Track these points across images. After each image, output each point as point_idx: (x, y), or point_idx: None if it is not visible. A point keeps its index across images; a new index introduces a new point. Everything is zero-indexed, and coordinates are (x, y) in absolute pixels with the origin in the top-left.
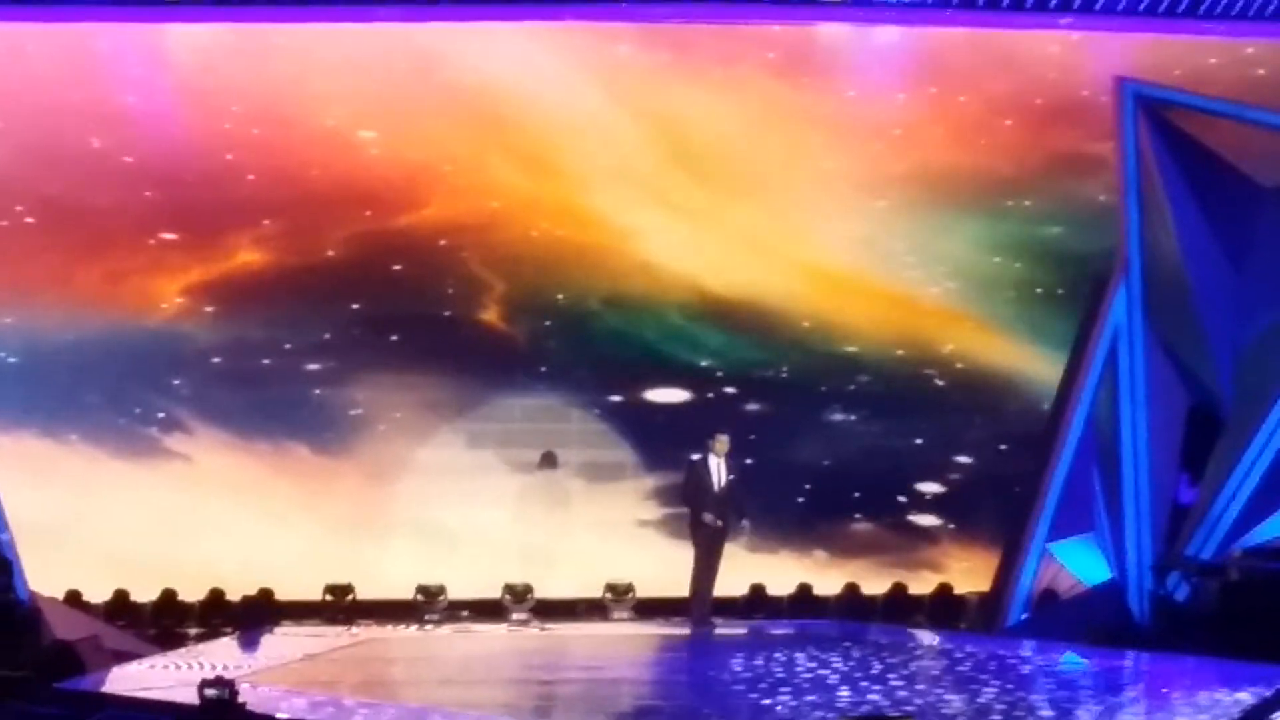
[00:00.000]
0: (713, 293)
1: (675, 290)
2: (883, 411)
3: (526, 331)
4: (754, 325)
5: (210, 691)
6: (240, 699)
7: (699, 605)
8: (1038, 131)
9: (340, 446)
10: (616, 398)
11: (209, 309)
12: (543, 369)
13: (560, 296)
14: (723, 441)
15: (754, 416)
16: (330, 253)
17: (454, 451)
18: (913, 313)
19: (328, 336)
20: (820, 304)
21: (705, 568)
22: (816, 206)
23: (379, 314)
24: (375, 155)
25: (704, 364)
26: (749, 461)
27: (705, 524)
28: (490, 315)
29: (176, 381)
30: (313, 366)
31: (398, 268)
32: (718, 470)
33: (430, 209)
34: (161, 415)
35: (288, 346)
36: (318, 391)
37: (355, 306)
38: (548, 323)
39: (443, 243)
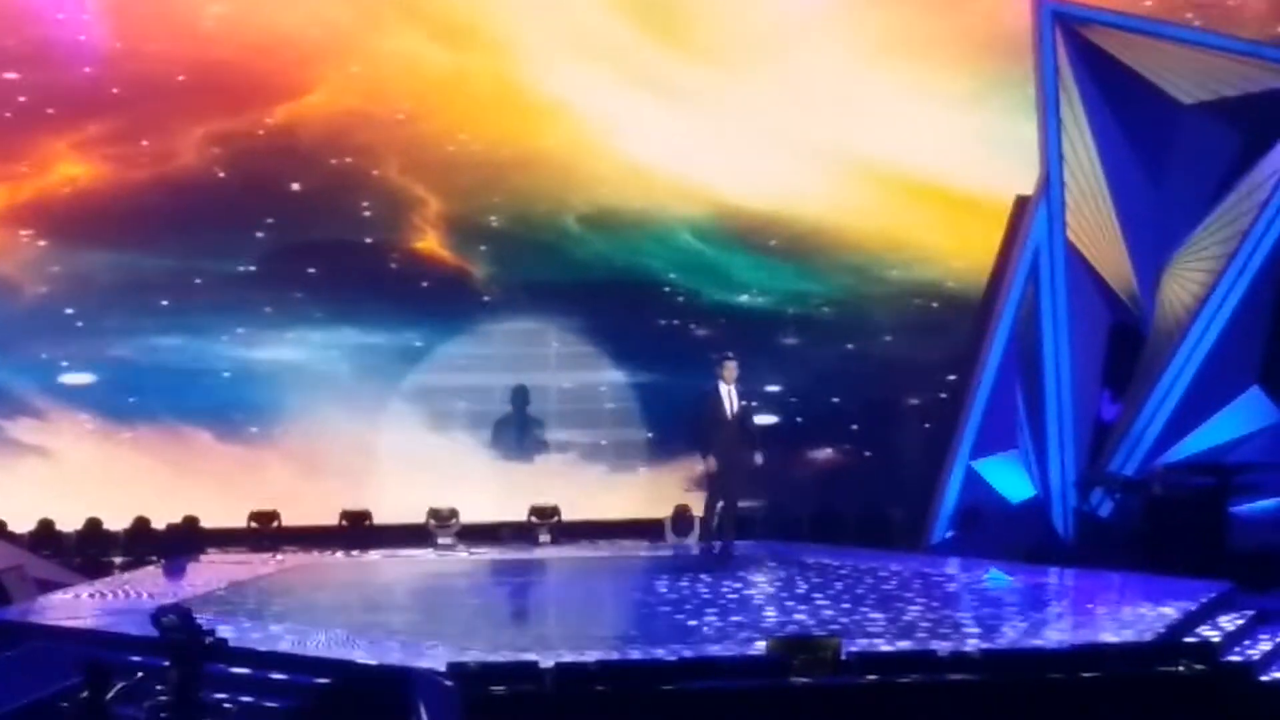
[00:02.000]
0: (734, 206)
1: (680, 203)
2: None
3: (482, 264)
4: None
5: (168, 619)
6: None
7: (705, 530)
8: None
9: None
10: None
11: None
12: (506, 315)
13: (522, 214)
14: (730, 368)
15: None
16: (185, 160)
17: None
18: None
19: (199, 281)
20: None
21: (714, 498)
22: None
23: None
24: (225, 26)
25: (740, 299)
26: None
27: (715, 460)
28: (428, 242)
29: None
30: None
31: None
32: (729, 398)
33: (316, 97)
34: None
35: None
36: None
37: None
38: (505, 250)
39: (342, 144)
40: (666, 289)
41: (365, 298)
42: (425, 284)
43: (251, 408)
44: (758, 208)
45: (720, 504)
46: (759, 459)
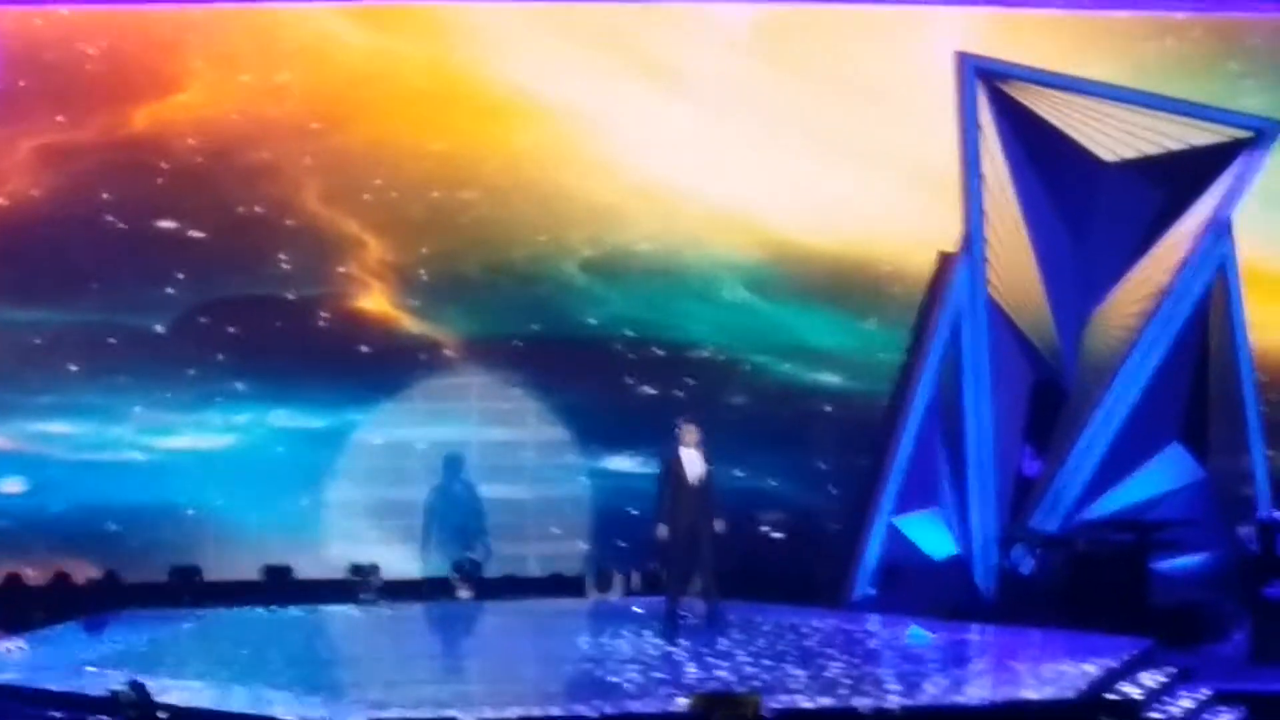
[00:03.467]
0: (780, 238)
1: (723, 241)
2: None
3: (448, 327)
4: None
5: (124, 692)
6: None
7: (668, 605)
8: None
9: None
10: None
11: None
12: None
13: (502, 258)
14: (691, 430)
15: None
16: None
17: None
18: None
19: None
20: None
21: (674, 569)
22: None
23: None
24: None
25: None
26: None
27: (670, 528)
28: (371, 301)
29: None
30: None
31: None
32: (691, 463)
33: (185, 96)
34: None
35: None
36: None
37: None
38: (480, 308)
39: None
40: (704, 356)
41: (292, 370)
42: (365, 349)
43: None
44: (825, 246)
45: (696, 570)
46: (719, 526)
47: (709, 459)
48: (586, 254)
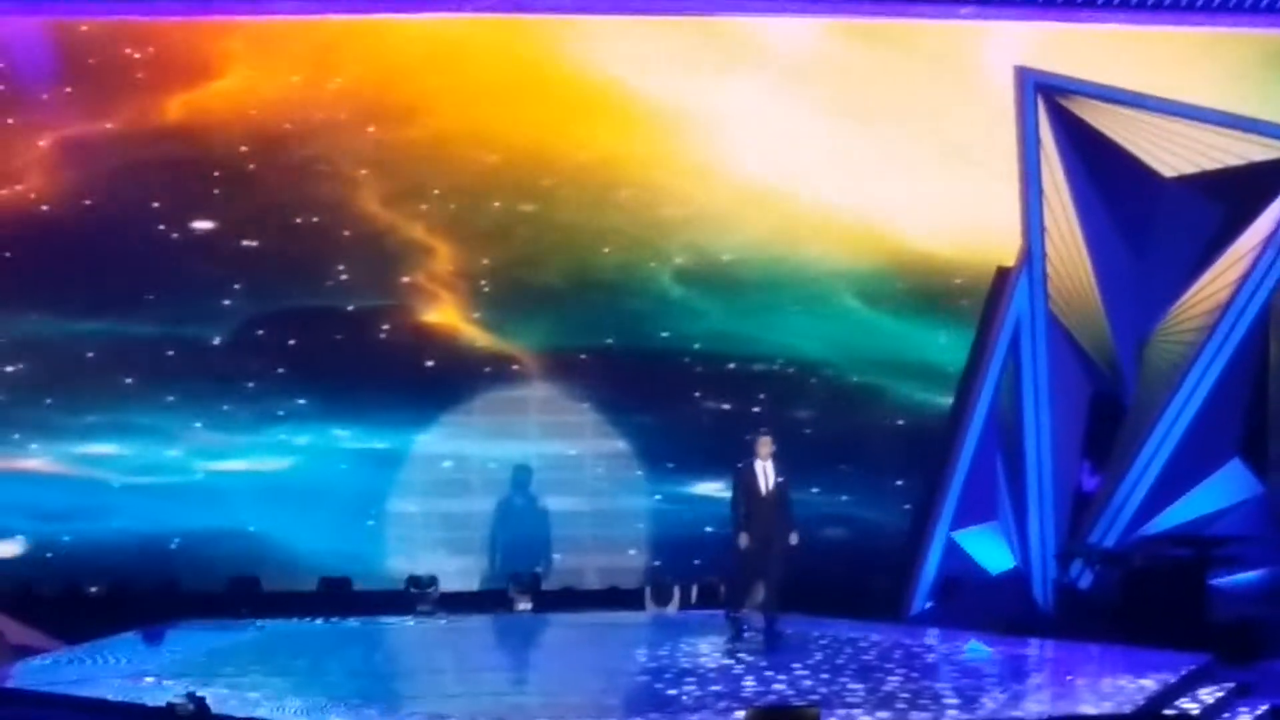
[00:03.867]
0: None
1: (840, 250)
2: None
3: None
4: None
5: (182, 705)
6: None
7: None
8: None
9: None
10: None
11: None
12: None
13: (585, 268)
14: (764, 442)
15: None
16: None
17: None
18: None
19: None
20: None
21: (758, 575)
22: None
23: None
24: None
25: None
26: None
27: (747, 537)
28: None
29: None
30: None
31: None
32: (764, 474)
33: (231, 85)
34: None
35: None
36: None
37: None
38: (557, 321)
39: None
40: (821, 379)
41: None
42: (430, 364)
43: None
44: (950, 254)
45: (760, 583)
46: (794, 539)
47: (782, 471)
48: (679, 262)
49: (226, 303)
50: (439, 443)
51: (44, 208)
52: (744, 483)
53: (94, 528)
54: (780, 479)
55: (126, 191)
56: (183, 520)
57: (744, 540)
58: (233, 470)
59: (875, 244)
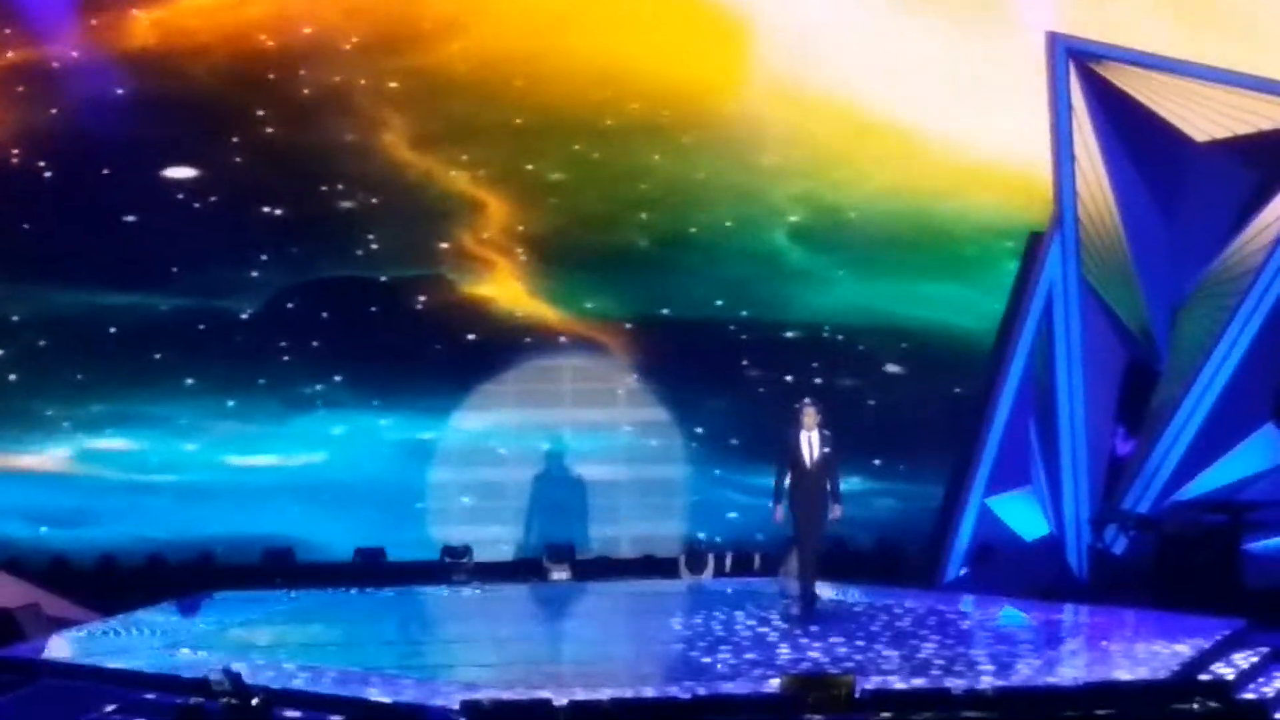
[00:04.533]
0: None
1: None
2: None
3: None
4: None
5: (218, 680)
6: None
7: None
8: None
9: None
10: None
11: None
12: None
13: (687, 224)
14: (810, 413)
15: None
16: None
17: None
18: None
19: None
20: None
21: (797, 544)
22: None
23: None
24: None
25: None
26: None
27: (783, 510)
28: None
29: None
30: None
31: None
32: (809, 444)
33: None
34: None
35: None
36: None
37: None
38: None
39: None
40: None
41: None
42: (472, 337)
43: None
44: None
45: (798, 552)
46: (836, 512)
47: (828, 442)
48: (795, 219)
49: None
50: (475, 413)
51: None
52: (788, 454)
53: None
54: (826, 449)
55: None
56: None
57: (779, 514)
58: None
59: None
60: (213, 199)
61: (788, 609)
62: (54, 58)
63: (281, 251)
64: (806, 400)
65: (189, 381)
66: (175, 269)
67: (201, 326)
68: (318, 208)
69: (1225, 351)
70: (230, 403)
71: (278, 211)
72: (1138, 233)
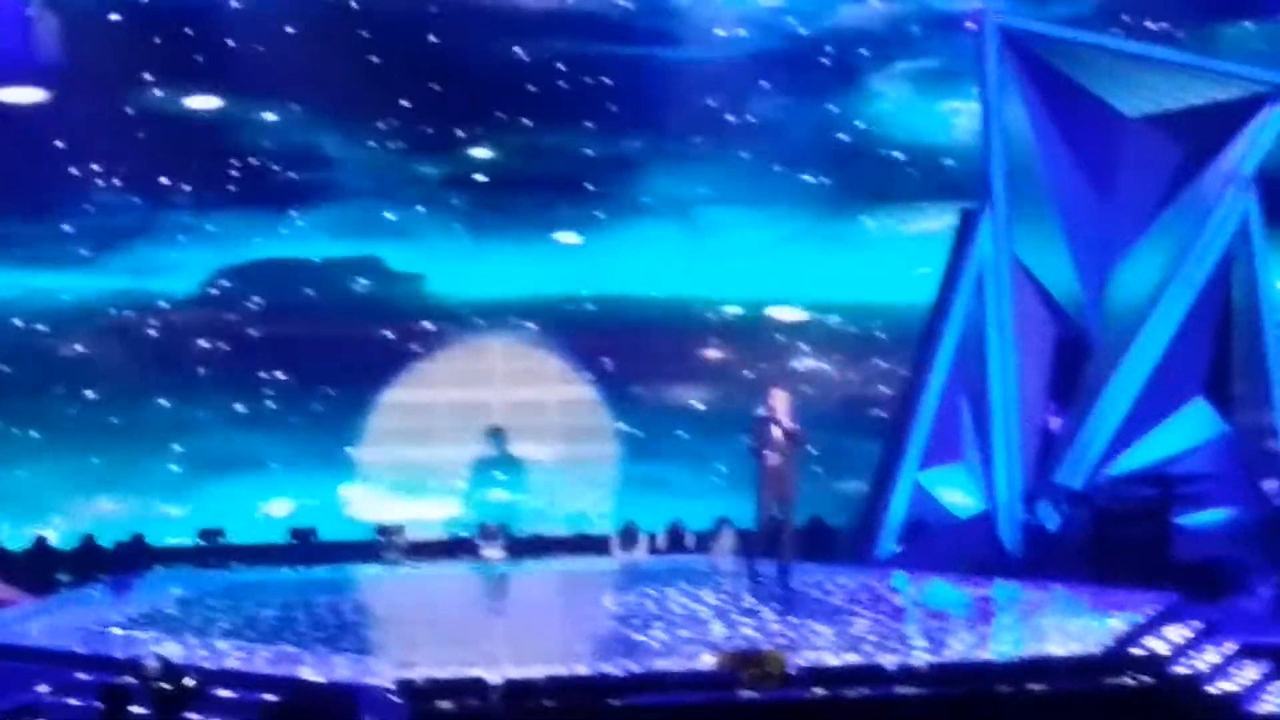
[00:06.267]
0: None
1: None
2: None
3: None
4: None
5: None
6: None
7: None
8: None
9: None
10: None
11: None
12: None
13: None
14: (781, 396)
15: None
16: None
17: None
18: None
19: None
20: None
21: (769, 525)
22: None
23: None
24: None
25: None
26: None
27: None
28: None
29: None
30: None
31: None
32: (780, 427)
33: None
34: None
35: None
36: None
37: None
38: None
39: None
40: None
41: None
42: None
43: None
44: None
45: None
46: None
47: (798, 422)
48: None
49: None
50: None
51: None
52: (759, 436)
53: None
54: (796, 427)
55: None
56: None
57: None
58: None
59: None
60: None
61: (760, 586)
62: None
63: None
64: (777, 384)
65: None
66: None
67: None
68: None
69: (1157, 326)
70: None
71: None
72: (1069, 209)
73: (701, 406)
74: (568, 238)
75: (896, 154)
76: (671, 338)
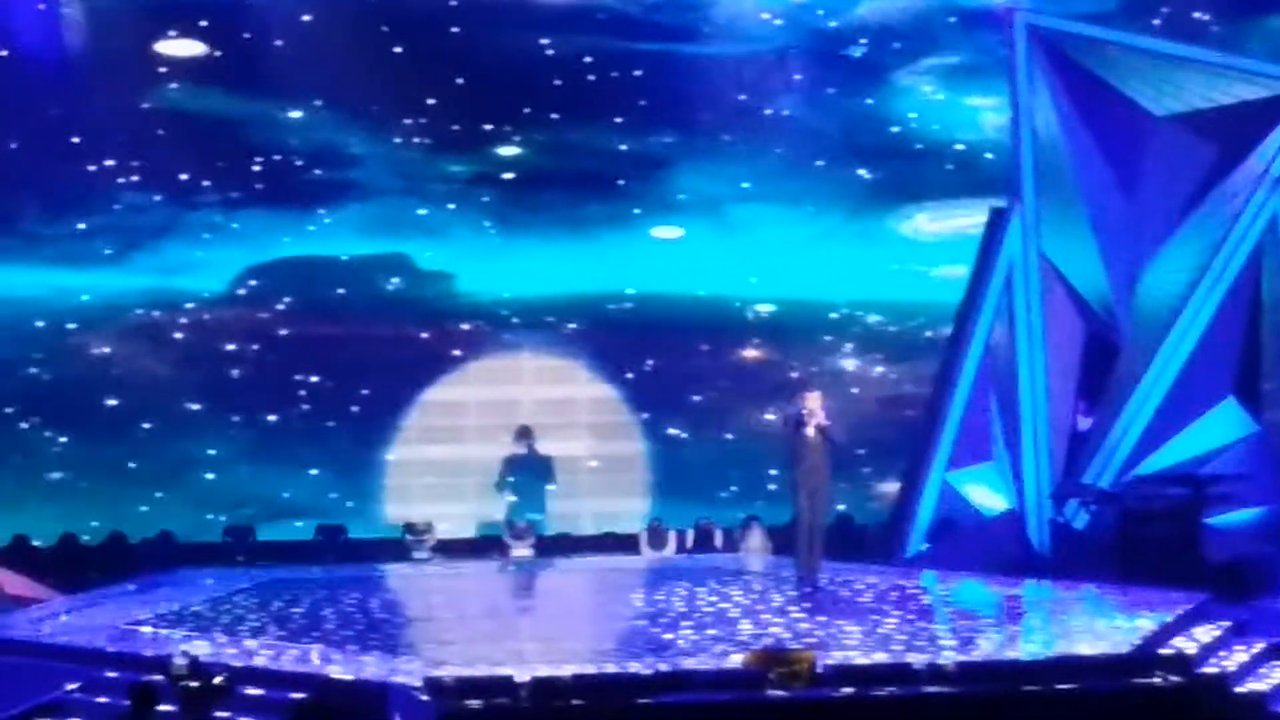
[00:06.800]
0: None
1: None
2: None
3: None
4: None
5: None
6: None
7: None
8: None
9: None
10: None
11: None
12: None
13: None
14: (814, 396)
15: None
16: None
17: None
18: None
19: None
20: None
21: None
22: None
23: None
24: None
25: None
26: None
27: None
28: None
29: None
30: None
31: None
32: (813, 428)
33: None
34: None
35: None
36: None
37: None
38: None
39: None
40: None
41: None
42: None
43: None
44: None
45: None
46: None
47: (832, 420)
48: None
49: None
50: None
51: None
52: (793, 437)
53: None
54: (828, 424)
55: None
56: None
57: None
58: None
59: None
60: None
61: (799, 587)
62: None
63: None
64: (809, 384)
65: None
66: None
67: None
68: None
69: (1186, 325)
70: None
71: None
72: (1098, 208)
73: (727, 404)
74: (667, 232)
75: (920, 146)
76: (705, 336)
